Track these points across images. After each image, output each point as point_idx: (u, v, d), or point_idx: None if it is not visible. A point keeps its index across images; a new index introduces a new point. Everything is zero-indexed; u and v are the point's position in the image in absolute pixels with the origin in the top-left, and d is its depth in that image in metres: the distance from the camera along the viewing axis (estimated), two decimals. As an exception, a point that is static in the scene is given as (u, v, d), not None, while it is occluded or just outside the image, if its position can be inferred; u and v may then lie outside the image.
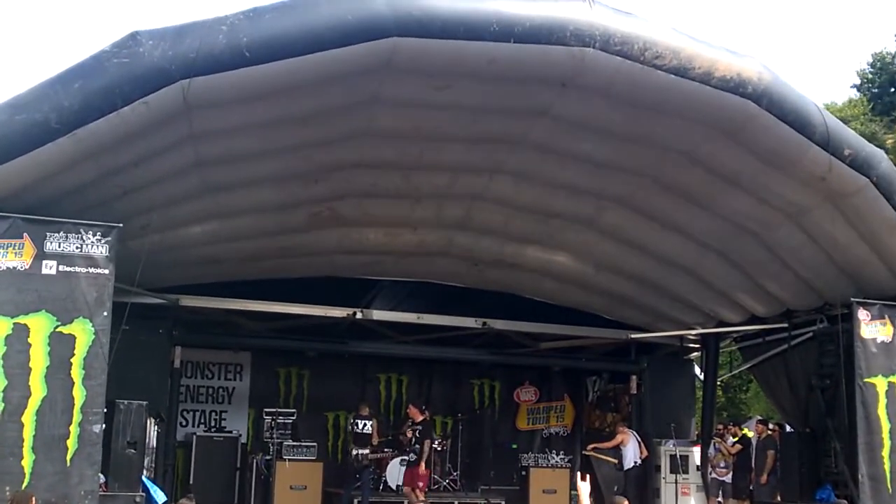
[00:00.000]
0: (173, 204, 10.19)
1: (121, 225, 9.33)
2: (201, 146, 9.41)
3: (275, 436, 14.03)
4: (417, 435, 13.45)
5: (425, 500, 13.24)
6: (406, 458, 13.71)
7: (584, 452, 16.43)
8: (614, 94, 9.48)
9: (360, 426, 14.05)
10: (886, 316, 11.58)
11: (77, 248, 9.09)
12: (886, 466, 11.16)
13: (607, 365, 16.63)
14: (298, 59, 8.39)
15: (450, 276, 14.52)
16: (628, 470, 14.58)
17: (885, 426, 11.28)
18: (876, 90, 34.49)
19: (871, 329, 11.48)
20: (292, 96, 8.92)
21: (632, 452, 14.62)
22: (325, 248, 12.94)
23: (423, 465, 13.32)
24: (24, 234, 8.92)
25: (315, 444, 14.34)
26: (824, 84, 60.97)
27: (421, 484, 13.31)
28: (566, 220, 12.34)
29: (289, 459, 13.85)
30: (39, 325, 8.87)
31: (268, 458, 13.98)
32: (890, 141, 26.84)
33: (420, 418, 13.61)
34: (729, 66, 9.37)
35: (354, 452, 13.89)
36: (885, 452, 11.19)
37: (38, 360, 8.81)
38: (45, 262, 8.97)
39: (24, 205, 8.92)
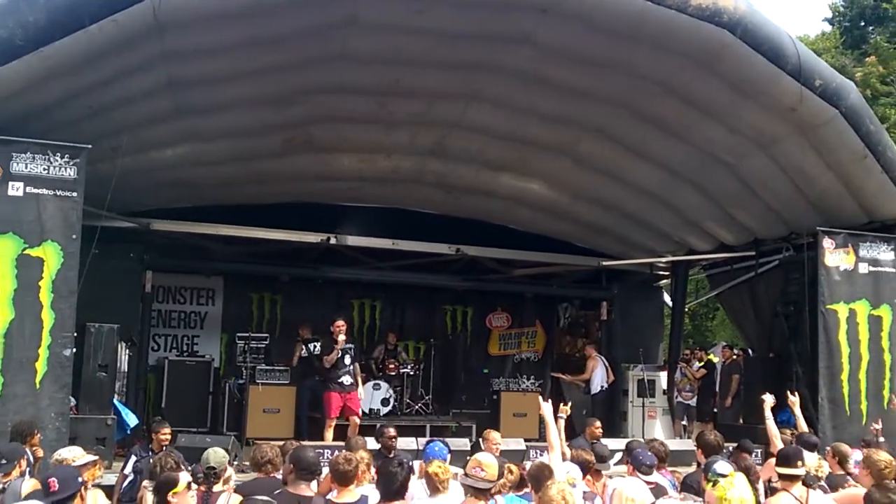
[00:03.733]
0: (144, 126, 10.06)
1: (89, 146, 9.21)
2: (173, 67, 9.27)
3: (248, 360, 14.10)
4: (353, 353, 12.26)
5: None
6: (342, 380, 11.92)
7: (551, 374, 16.70)
8: (593, 21, 9.42)
9: (312, 348, 14.10)
10: (850, 245, 11.78)
11: (44, 169, 8.98)
12: (845, 390, 11.48)
13: (578, 292, 16.82)
14: (272, -22, 8.27)
15: (424, 203, 14.55)
16: (595, 394, 14.86)
17: (845, 351, 11.56)
18: (847, 23, 34.58)
19: (835, 257, 11.68)
20: (267, 16, 8.78)
21: (599, 377, 14.89)
22: (299, 174, 12.89)
23: (360, 390, 12.38)
24: (-10, 155, 8.79)
25: (287, 368, 14.41)
26: (798, 17, 60.85)
27: (360, 410, 12.24)
28: (541, 149, 12.34)
29: (262, 383, 13.90)
30: (6, 248, 8.81)
31: (240, 382, 14.03)
32: (859, 74, 26.95)
33: (344, 338, 12.00)
34: (705, -5, 9.32)
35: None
36: (844, 377, 11.50)
37: (6, 282, 8.76)
38: (11, 183, 8.86)
39: (-11, 124, 8.76)
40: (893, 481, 5.89)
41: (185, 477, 5.52)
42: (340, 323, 12.07)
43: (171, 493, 5.30)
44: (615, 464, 7.88)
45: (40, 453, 7.93)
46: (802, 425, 8.46)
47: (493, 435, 8.54)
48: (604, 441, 9.33)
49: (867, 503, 4.51)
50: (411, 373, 15.04)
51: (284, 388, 14.06)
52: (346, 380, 11.94)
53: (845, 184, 11.50)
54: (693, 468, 8.02)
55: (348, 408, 11.93)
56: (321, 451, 9.16)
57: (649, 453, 6.90)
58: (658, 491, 6.24)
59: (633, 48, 9.85)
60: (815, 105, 10.35)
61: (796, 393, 9.21)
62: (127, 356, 12.24)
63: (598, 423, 10.11)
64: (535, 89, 10.83)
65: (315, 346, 14.09)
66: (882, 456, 6.20)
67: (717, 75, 10.18)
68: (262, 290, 15.74)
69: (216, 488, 5.94)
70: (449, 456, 7.40)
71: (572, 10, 9.28)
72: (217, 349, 15.40)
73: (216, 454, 6.20)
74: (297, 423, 13.70)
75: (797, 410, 8.04)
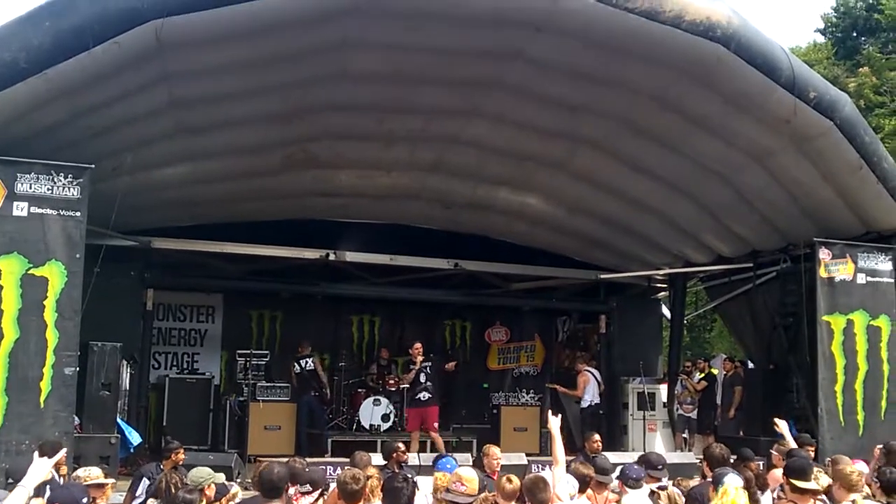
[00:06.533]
0: (146, 145, 10.14)
1: (92, 166, 9.27)
2: (175, 87, 9.36)
3: (248, 377, 14.12)
4: (429, 371, 13.44)
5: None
6: (419, 396, 13.45)
7: (547, 385, 16.71)
8: (588, 37, 9.54)
9: (304, 365, 14.20)
10: (848, 255, 11.84)
11: (48, 189, 9.04)
12: (839, 401, 11.52)
13: (577, 305, 16.82)
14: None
15: (423, 219, 14.62)
16: (584, 409, 14.71)
17: (840, 362, 11.61)
18: (839, 34, 34.71)
19: (832, 268, 11.74)
20: (266, 37, 8.89)
21: (590, 393, 14.73)
22: (299, 191, 12.97)
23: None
24: (-6, 176, 8.84)
25: (288, 385, 14.41)
26: (789, 28, 61.21)
27: (436, 424, 13.42)
28: (539, 163, 12.43)
29: (262, 400, 13.95)
30: (11, 268, 8.84)
31: (241, 399, 14.06)
32: (852, 85, 27.06)
33: (422, 358, 13.54)
34: (699, 10, 9.45)
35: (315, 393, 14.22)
36: (839, 387, 11.54)
37: (10, 302, 8.79)
38: (16, 203, 8.91)
39: (-6, 146, 8.82)
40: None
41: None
42: (418, 345, 13.65)
43: None
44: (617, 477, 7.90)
45: (65, 471, 7.90)
46: (791, 443, 8.55)
47: (494, 450, 8.55)
48: (605, 454, 9.35)
49: None
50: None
51: (285, 405, 14.10)
52: (423, 395, 13.39)
53: (841, 195, 11.58)
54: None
55: (426, 421, 13.19)
56: (324, 466, 9.25)
57: (635, 466, 6.93)
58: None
59: (627, 64, 9.96)
60: (810, 117, 10.43)
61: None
62: (129, 374, 12.26)
63: (597, 437, 10.28)
64: (532, 104, 10.93)
65: (307, 363, 14.20)
66: (850, 467, 6.30)
67: (711, 89, 10.29)
68: (261, 307, 15.78)
69: None
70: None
71: (566, 28, 9.38)
72: (217, 366, 15.42)
73: (197, 473, 6.19)
74: (297, 440, 13.75)
75: (786, 432, 8.24)
